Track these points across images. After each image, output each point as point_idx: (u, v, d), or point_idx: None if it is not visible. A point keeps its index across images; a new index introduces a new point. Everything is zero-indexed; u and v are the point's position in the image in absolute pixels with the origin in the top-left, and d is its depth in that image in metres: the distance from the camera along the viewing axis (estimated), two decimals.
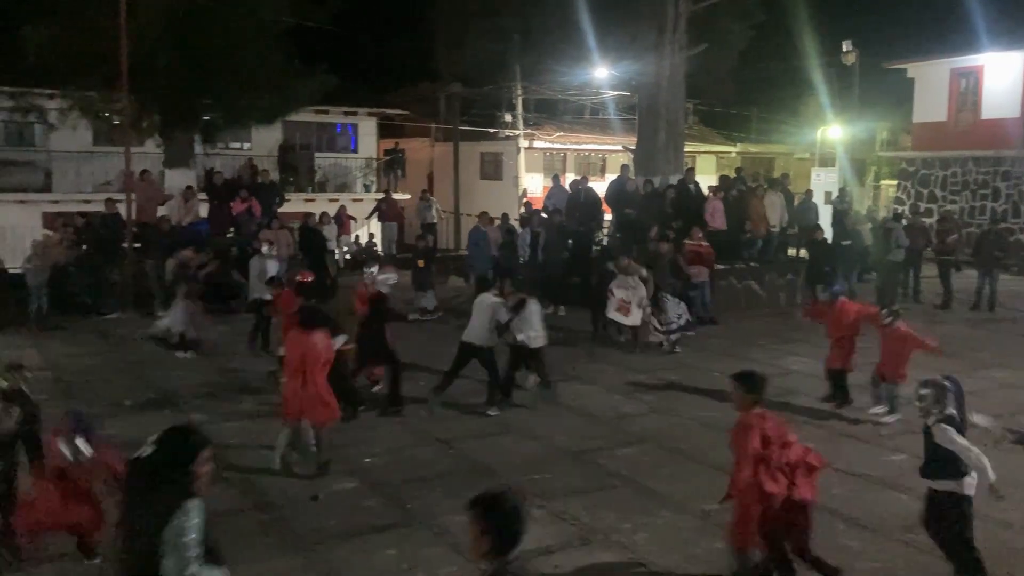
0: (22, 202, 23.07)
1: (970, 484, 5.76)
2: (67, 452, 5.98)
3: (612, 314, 13.51)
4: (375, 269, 11.05)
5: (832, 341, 10.65)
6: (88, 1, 16.62)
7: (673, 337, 13.48)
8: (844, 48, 29.94)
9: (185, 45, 17.33)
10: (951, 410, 5.81)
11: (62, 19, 16.81)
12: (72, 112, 19.52)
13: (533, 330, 10.35)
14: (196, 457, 3.85)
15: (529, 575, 3.76)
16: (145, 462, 3.81)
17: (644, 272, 13.55)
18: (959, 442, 5.68)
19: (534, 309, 10.43)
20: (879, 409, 10.13)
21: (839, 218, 19.20)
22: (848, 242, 17.69)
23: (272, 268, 13.82)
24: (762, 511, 5.67)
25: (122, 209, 16.46)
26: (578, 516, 7.34)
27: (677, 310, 13.59)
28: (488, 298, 10.36)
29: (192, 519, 3.72)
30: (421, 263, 16.10)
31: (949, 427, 5.75)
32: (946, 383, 5.90)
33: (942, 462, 5.77)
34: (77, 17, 16.71)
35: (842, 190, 22.62)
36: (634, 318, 13.36)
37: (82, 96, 18.65)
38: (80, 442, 5.99)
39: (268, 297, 11.97)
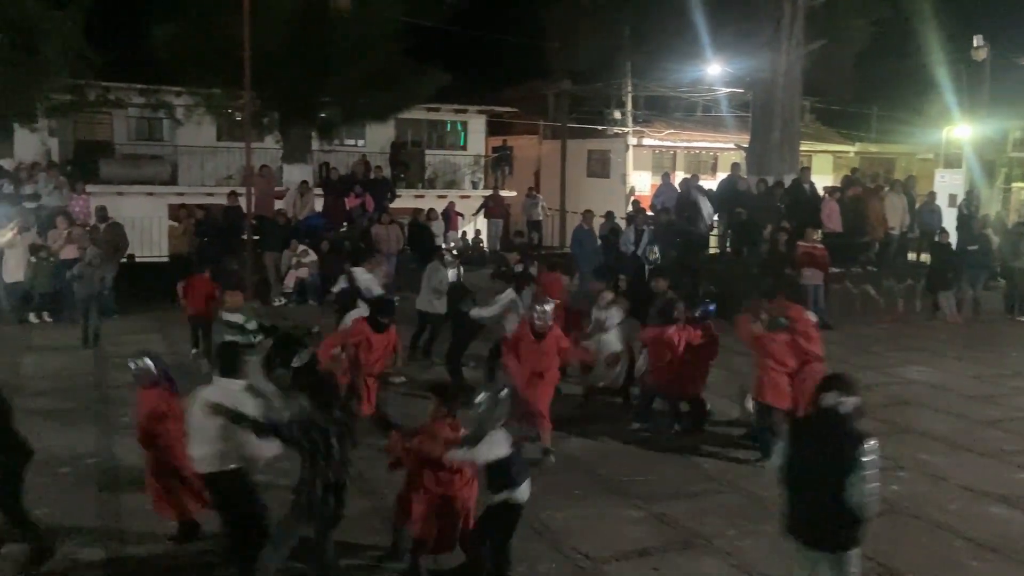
0: (150, 194, 24.24)
1: (523, 492, 5.89)
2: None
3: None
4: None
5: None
6: (215, 2, 17.34)
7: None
8: (975, 43, 28.44)
9: (307, 44, 17.86)
10: (504, 414, 5.87)
11: (190, 20, 17.60)
12: (197, 109, 20.47)
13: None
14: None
15: None
16: (841, 415, 4.86)
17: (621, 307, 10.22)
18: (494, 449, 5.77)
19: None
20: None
21: (965, 222, 18.30)
22: (974, 247, 16.84)
23: (451, 277, 12.24)
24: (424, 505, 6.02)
25: (243, 203, 17.09)
26: (679, 519, 7.23)
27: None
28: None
29: (873, 453, 4.75)
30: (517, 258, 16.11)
31: (499, 432, 5.79)
32: (503, 389, 6.01)
33: (496, 473, 5.84)
34: (204, 18, 17.46)
35: (969, 192, 21.52)
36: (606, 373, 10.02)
37: (207, 94, 19.50)
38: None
39: (441, 311, 11.76)
